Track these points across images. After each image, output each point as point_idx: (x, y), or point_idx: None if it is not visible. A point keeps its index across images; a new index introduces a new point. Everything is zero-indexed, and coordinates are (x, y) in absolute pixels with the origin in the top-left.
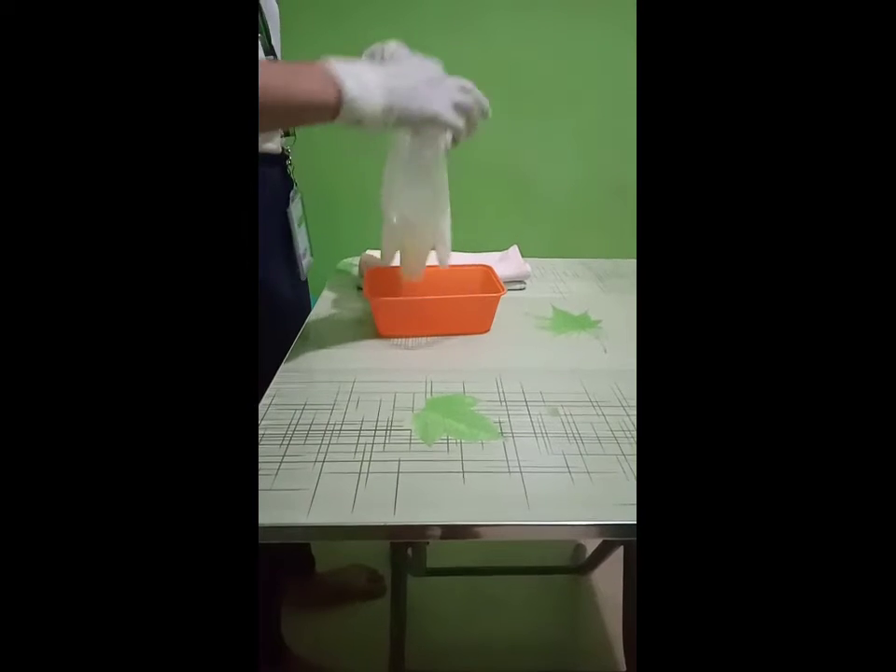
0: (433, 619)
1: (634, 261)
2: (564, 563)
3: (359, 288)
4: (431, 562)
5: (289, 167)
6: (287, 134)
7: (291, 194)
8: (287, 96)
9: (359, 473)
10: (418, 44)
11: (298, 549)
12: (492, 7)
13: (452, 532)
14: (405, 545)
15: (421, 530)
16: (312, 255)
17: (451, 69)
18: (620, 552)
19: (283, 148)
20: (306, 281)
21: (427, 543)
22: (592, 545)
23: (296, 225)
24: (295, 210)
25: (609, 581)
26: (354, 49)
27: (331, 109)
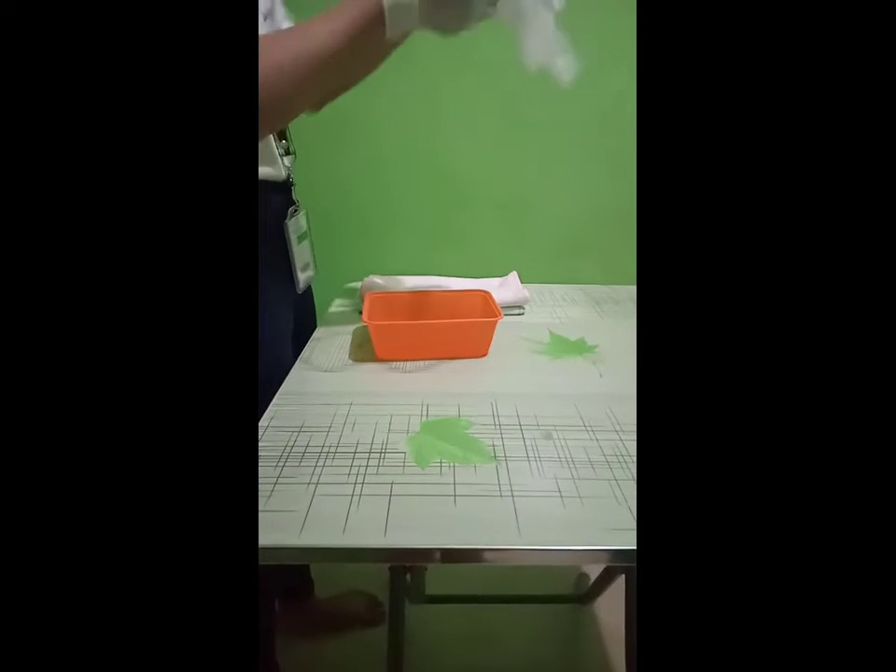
0: (432, 648)
1: (630, 287)
2: (566, 592)
3: (360, 312)
4: (430, 589)
5: (293, 191)
6: (287, 153)
7: (291, 210)
8: (334, 34)
9: (352, 496)
10: (415, 71)
11: (296, 573)
12: (483, 28)
13: (440, 556)
14: (404, 571)
15: (410, 553)
16: (316, 269)
17: (448, 95)
18: (622, 580)
19: (288, 173)
20: (310, 298)
21: (426, 569)
22: (594, 573)
23: (294, 239)
24: (294, 224)
25: (612, 610)
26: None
27: (376, 16)
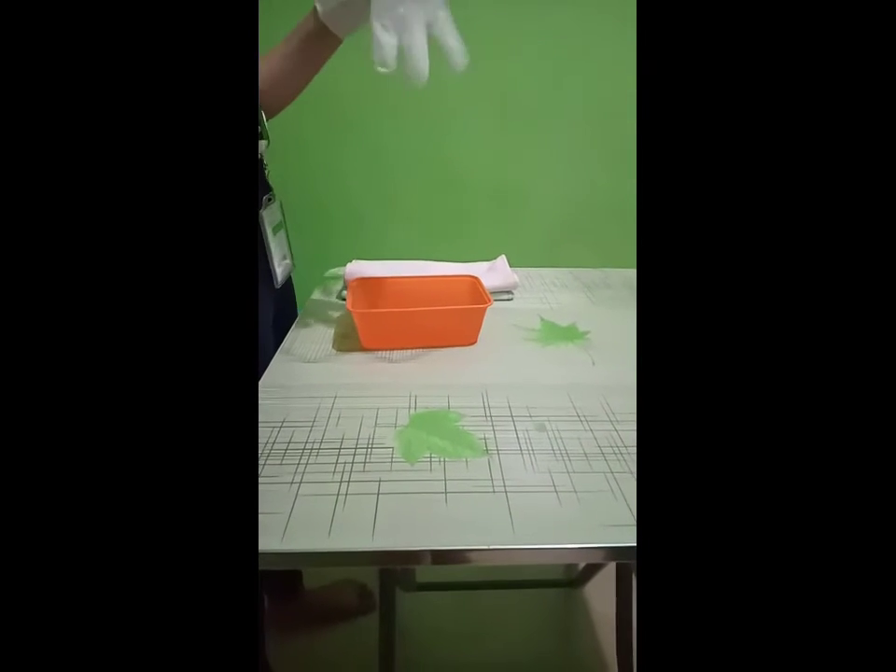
0: (424, 636)
1: (622, 271)
2: (556, 577)
3: (344, 299)
4: (421, 577)
5: (266, 173)
6: (260, 138)
7: (264, 199)
8: (289, 40)
9: (337, 495)
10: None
11: None
12: (479, 20)
13: (432, 558)
14: None
15: (399, 556)
16: (293, 261)
17: (438, 83)
18: (612, 565)
19: (260, 154)
20: (290, 288)
21: None
22: None
23: (269, 230)
24: (269, 215)
25: (603, 594)
26: (343, 73)
27: (313, 18)
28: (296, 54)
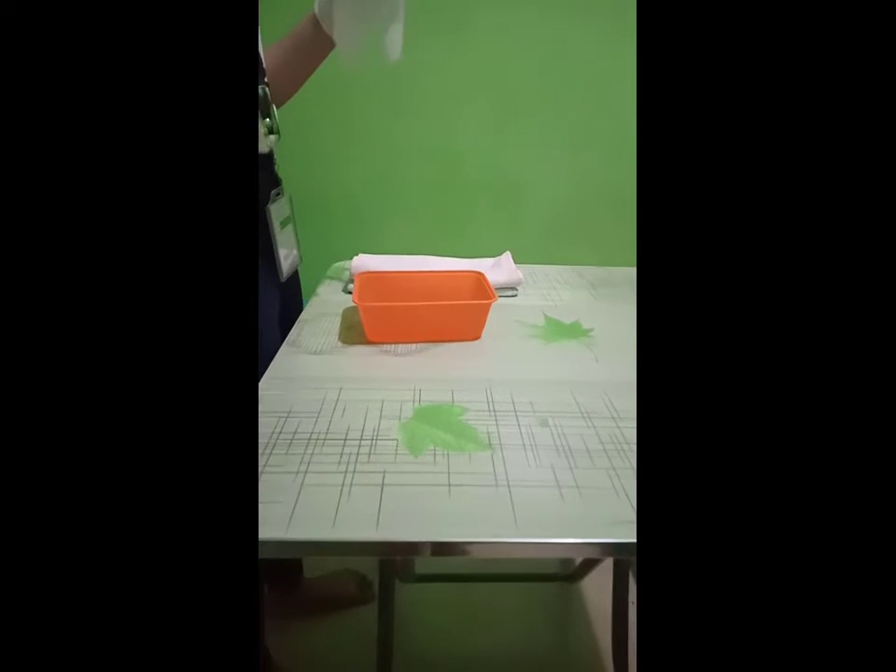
0: (422, 627)
1: (624, 269)
2: (554, 570)
3: (350, 293)
4: (420, 568)
5: (276, 166)
6: (271, 132)
7: (273, 193)
8: (285, 37)
9: (342, 486)
10: (409, 54)
11: None
12: (478, 12)
13: (435, 549)
14: None
15: (403, 547)
16: (301, 255)
17: (437, 75)
18: (609, 560)
19: (269, 150)
20: (296, 281)
21: None
22: None
23: (277, 224)
24: (277, 210)
25: (600, 588)
26: (348, 69)
27: (312, 19)
28: (289, 51)
